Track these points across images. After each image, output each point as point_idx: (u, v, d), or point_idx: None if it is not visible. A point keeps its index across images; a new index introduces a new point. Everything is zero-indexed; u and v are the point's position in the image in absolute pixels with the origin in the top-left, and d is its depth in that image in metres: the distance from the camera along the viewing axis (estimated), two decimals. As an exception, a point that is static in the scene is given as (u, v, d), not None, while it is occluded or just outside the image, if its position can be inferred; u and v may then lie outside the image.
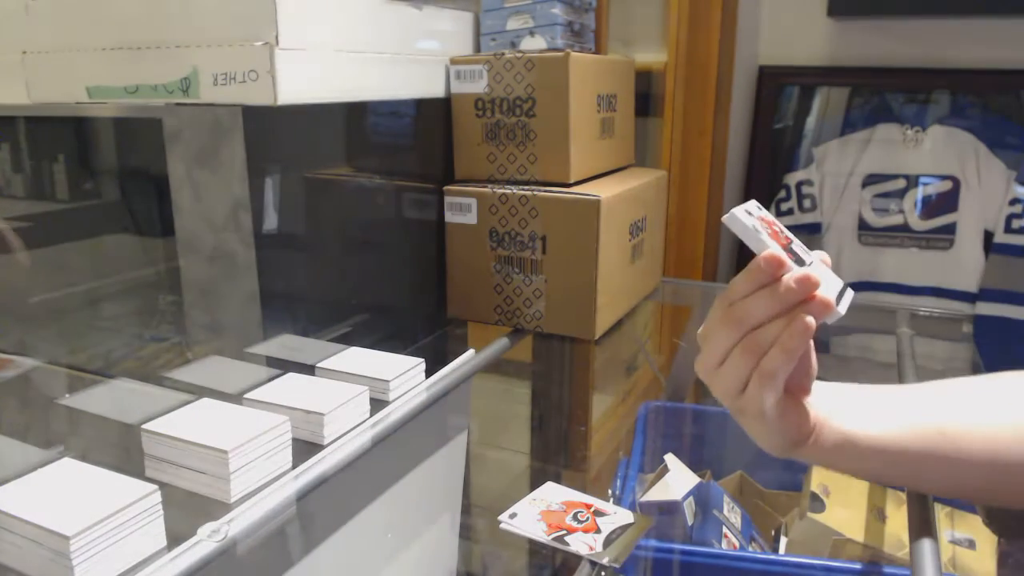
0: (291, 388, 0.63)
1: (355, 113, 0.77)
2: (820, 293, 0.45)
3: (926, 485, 0.57)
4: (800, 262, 0.47)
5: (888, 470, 0.56)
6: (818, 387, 0.53)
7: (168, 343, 0.74)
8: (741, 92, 1.32)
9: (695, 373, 0.52)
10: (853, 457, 0.54)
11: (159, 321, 0.75)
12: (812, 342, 0.49)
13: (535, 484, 0.68)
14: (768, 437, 0.52)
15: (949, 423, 0.53)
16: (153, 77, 0.66)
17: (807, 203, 1.29)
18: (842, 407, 0.54)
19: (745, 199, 1.38)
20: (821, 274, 0.47)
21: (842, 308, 0.46)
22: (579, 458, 1.12)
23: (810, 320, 0.45)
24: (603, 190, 0.85)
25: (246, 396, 0.61)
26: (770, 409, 0.49)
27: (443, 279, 0.93)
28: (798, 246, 0.48)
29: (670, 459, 0.89)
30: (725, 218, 0.46)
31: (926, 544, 0.54)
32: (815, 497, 0.85)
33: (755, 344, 0.47)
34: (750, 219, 0.46)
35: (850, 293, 0.49)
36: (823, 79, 1.28)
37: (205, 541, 0.46)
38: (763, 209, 0.49)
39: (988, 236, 1.21)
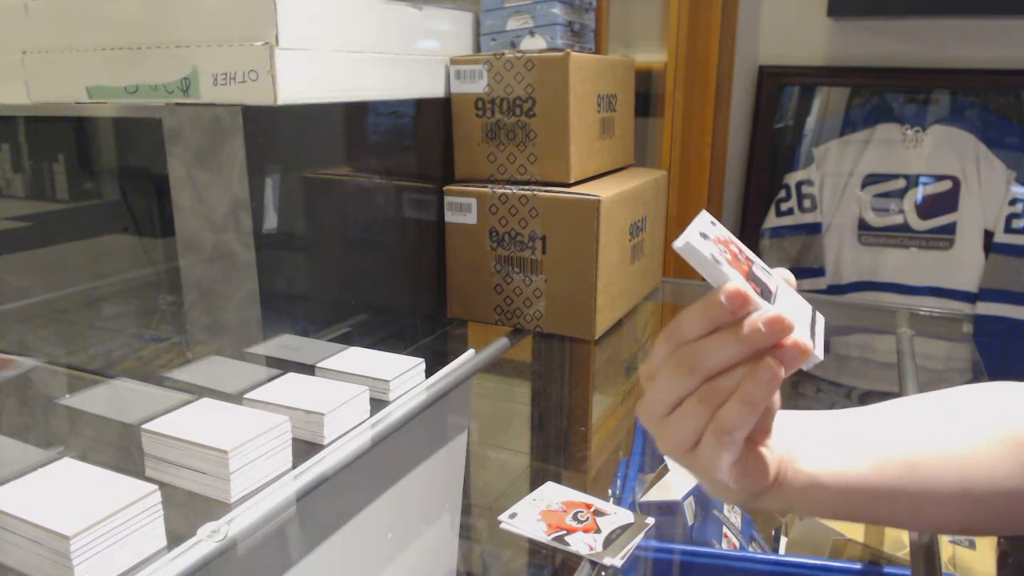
0: (291, 388, 0.63)
1: (355, 113, 0.77)
2: (795, 337, 0.37)
3: (900, 522, 0.53)
4: (766, 291, 0.38)
5: (857, 511, 0.50)
6: (777, 420, 0.45)
7: (168, 343, 0.74)
8: (741, 92, 1.32)
9: None
10: (819, 501, 0.48)
11: (159, 321, 0.75)
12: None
13: (535, 484, 0.69)
14: (725, 491, 0.46)
15: (919, 455, 0.49)
16: (153, 77, 0.66)
17: (807, 203, 1.29)
18: (804, 444, 0.47)
19: (745, 199, 1.40)
20: (789, 304, 0.39)
21: (819, 351, 0.38)
22: (579, 458, 1.12)
23: (778, 367, 0.37)
24: (603, 190, 0.85)
25: (246, 396, 0.61)
26: (727, 467, 0.42)
27: (443, 279, 0.93)
28: (760, 268, 0.40)
29: (670, 459, 0.89)
30: (677, 246, 0.37)
31: (926, 544, 0.54)
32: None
33: (711, 395, 0.39)
34: (707, 244, 0.37)
35: (821, 320, 0.42)
36: (823, 79, 1.28)
37: (205, 541, 0.46)
38: (718, 224, 0.40)
39: (988, 236, 1.21)
